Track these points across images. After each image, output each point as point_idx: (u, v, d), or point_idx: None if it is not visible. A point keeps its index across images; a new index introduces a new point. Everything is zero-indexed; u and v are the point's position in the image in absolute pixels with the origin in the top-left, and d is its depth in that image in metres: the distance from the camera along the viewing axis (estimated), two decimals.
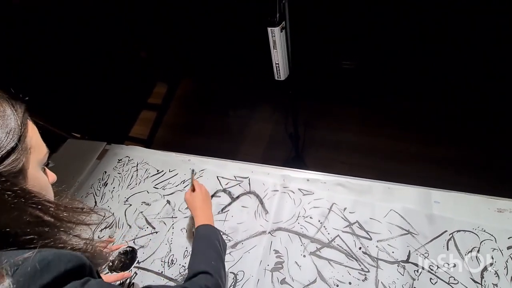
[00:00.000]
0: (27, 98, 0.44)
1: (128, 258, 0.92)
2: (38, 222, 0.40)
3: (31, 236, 0.39)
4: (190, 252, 0.88)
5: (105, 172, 1.20)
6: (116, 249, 0.91)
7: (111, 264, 0.85)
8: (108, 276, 0.80)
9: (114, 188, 1.14)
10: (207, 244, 0.70)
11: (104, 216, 1.03)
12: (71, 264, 0.39)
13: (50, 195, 0.47)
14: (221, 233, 0.78)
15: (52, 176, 0.49)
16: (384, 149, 1.83)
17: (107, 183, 1.17)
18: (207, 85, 2.67)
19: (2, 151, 0.38)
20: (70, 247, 0.44)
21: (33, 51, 1.75)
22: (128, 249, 0.94)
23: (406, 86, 2.05)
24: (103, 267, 0.80)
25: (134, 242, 0.97)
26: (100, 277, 0.48)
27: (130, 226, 1.01)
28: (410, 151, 1.78)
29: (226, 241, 0.91)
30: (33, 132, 0.44)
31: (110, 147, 1.30)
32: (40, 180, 0.44)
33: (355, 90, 2.15)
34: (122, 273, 0.85)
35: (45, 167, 0.47)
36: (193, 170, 0.96)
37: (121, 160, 1.23)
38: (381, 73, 2.11)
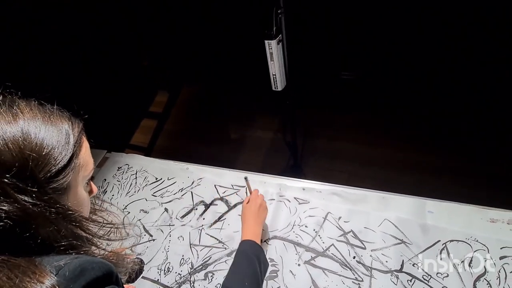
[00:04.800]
0: (86, 116, 0.46)
1: (138, 268, 0.90)
2: (73, 236, 0.42)
3: (66, 247, 0.41)
4: (190, 261, 0.89)
5: (105, 179, 1.22)
6: None
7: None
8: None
9: (113, 195, 1.16)
10: (246, 263, 0.69)
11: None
12: (101, 271, 0.41)
13: (87, 209, 0.49)
14: (264, 253, 0.76)
15: (95, 189, 0.51)
16: (382, 159, 1.85)
17: (106, 191, 1.18)
18: (207, 95, 2.72)
19: (52, 170, 0.39)
20: (99, 256, 0.46)
21: (34, 57, 1.79)
22: (136, 260, 0.93)
23: (404, 96, 2.08)
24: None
25: (131, 250, 0.98)
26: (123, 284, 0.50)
27: (128, 234, 1.02)
28: (408, 161, 1.79)
29: (221, 249, 0.93)
30: (85, 150, 0.45)
31: (110, 155, 1.32)
32: (82, 196, 0.46)
33: (353, 101, 2.18)
34: (127, 285, 0.82)
35: (89, 181, 0.48)
36: (246, 178, 0.90)
37: (120, 168, 1.25)
38: (379, 83, 2.14)
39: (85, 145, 0.46)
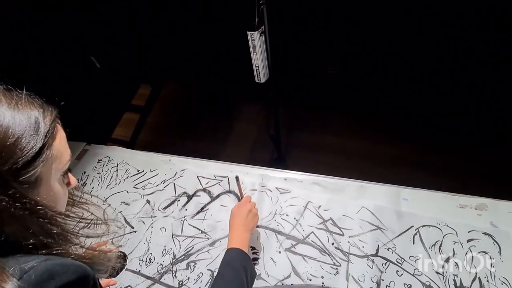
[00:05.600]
0: (63, 103, 0.42)
1: (118, 264, 0.88)
2: (44, 233, 0.39)
3: (35, 246, 0.38)
4: (172, 251, 0.89)
5: (84, 172, 1.19)
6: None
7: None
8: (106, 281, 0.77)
9: (93, 188, 1.14)
10: (232, 274, 0.65)
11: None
12: (75, 275, 0.39)
13: (62, 203, 0.45)
14: (251, 260, 0.73)
15: (73, 181, 0.48)
16: (364, 152, 1.90)
17: (86, 183, 1.16)
18: (190, 88, 2.68)
19: (19, 161, 0.35)
20: (74, 256, 0.43)
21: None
22: (119, 254, 0.90)
23: (388, 91, 2.13)
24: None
25: (112, 241, 0.97)
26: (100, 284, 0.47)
27: (108, 228, 1.01)
28: (389, 154, 1.85)
29: (204, 239, 0.94)
30: (59, 140, 0.41)
31: (90, 147, 1.29)
32: (55, 190, 0.42)
33: (338, 95, 2.22)
34: (108, 280, 0.79)
35: (66, 173, 0.45)
36: (237, 177, 0.85)
37: (101, 160, 1.23)
38: (363, 78, 2.18)
39: (60, 135, 0.43)
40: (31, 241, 0.38)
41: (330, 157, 1.91)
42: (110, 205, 1.07)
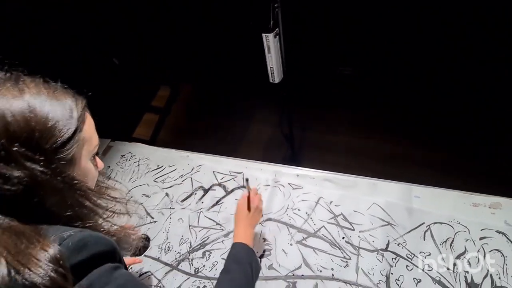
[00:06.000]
0: (90, 93, 0.49)
1: (142, 245, 0.96)
2: (79, 206, 0.46)
3: (72, 217, 0.44)
4: (189, 241, 0.94)
5: (109, 166, 1.28)
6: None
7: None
8: (131, 259, 0.85)
9: (116, 181, 1.21)
10: (237, 268, 0.67)
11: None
12: (105, 247, 0.44)
13: (92, 182, 0.52)
14: (256, 256, 0.74)
15: (100, 164, 0.54)
16: (376, 152, 1.89)
17: (110, 177, 1.24)
18: (207, 89, 2.77)
19: (59, 140, 0.42)
20: (104, 231, 0.49)
21: (33, 57, 1.85)
22: (142, 236, 0.99)
23: (401, 93, 2.12)
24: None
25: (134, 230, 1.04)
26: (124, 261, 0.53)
27: (130, 216, 1.08)
28: (401, 154, 1.83)
29: (219, 230, 0.98)
30: (89, 125, 0.48)
31: (114, 144, 1.38)
32: (87, 169, 0.49)
33: (350, 95, 2.22)
34: (134, 258, 0.88)
35: (94, 156, 0.52)
36: (247, 179, 0.84)
37: (124, 156, 1.31)
38: (376, 79, 2.18)
39: (89, 121, 0.49)
40: (68, 212, 0.44)
41: (342, 157, 1.91)
42: (132, 196, 1.14)
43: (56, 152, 0.43)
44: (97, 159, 0.54)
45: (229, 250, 0.73)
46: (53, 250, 0.38)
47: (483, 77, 1.86)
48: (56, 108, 0.43)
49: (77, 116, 0.46)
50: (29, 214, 0.41)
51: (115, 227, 0.53)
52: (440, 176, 1.62)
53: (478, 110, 1.90)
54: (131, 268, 0.91)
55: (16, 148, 0.38)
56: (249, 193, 0.81)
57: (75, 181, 0.45)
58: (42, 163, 0.40)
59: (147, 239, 0.99)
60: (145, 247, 0.96)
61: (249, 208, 0.79)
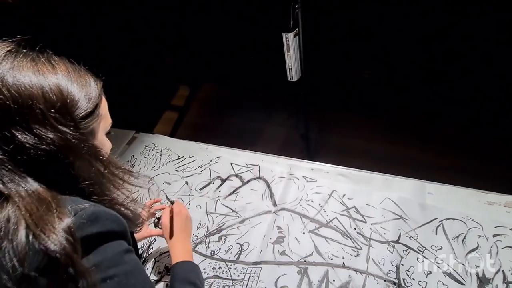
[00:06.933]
0: (104, 78, 0.56)
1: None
2: (98, 174, 0.50)
3: (90, 191, 0.48)
4: (206, 225, 0.98)
5: (133, 155, 1.36)
6: (161, 209, 0.93)
7: (156, 220, 0.92)
8: (151, 231, 0.89)
9: (140, 169, 1.29)
10: None
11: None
12: (115, 225, 0.46)
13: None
14: (200, 269, 0.73)
15: (109, 144, 0.59)
16: (394, 157, 1.89)
17: (134, 165, 1.32)
18: (225, 89, 2.85)
19: (83, 112, 0.48)
20: (118, 204, 0.53)
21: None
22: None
23: (421, 96, 2.11)
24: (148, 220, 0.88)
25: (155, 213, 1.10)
26: (134, 237, 0.57)
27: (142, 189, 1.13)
28: (420, 160, 1.82)
29: (234, 217, 1.03)
30: (104, 105, 0.55)
31: (138, 135, 1.46)
32: (104, 143, 0.55)
33: (370, 99, 2.23)
34: (157, 230, 0.90)
35: (106, 135, 0.57)
36: (172, 202, 0.84)
37: (147, 146, 1.39)
38: (396, 83, 2.18)
39: (104, 101, 0.54)
40: (88, 183, 0.47)
41: (357, 159, 1.92)
42: (154, 183, 1.21)
43: (81, 121, 0.48)
44: (107, 139, 0.58)
45: (172, 271, 0.71)
46: (67, 220, 0.41)
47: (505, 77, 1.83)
48: (82, 84, 0.49)
49: (98, 94, 0.52)
50: (55, 181, 0.44)
51: (130, 199, 0.55)
52: (458, 181, 1.60)
53: (500, 113, 1.86)
54: (155, 240, 0.96)
55: (51, 114, 0.44)
56: (171, 206, 0.80)
57: (98, 149, 0.51)
58: (72, 129, 0.46)
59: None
60: None
61: (172, 222, 0.78)
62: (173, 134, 2.63)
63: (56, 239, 0.39)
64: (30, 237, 0.38)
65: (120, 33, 2.37)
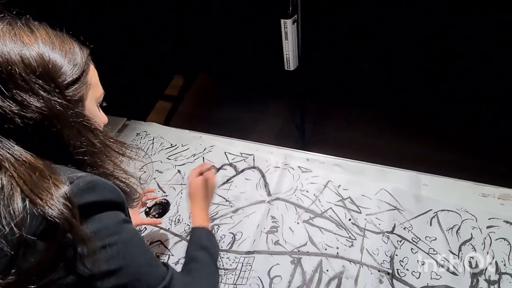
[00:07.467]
0: (92, 46, 0.53)
1: (162, 208, 1.01)
2: (90, 144, 0.48)
3: (83, 161, 0.47)
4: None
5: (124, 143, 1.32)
6: (153, 199, 0.99)
7: (148, 209, 0.91)
8: (142, 219, 0.89)
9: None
10: (205, 255, 0.65)
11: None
12: (113, 195, 0.46)
13: (100, 128, 0.53)
14: (214, 237, 0.73)
15: (104, 117, 0.57)
16: (390, 150, 1.89)
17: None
18: (221, 80, 2.80)
19: (68, 78, 0.46)
20: (114, 177, 0.51)
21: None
22: (163, 200, 1.03)
23: (420, 96, 2.10)
24: (139, 209, 0.89)
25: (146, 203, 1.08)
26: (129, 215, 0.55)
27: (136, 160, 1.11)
28: (416, 154, 1.82)
29: (228, 207, 1.01)
30: (93, 73, 0.52)
31: (129, 122, 1.42)
32: (95, 113, 0.52)
33: (367, 91, 2.21)
34: (155, 219, 0.94)
35: (99, 106, 0.55)
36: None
37: (139, 134, 1.35)
38: (396, 81, 2.16)
39: (93, 70, 0.52)
40: (80, 153, 0.46)
41: (354, 153, 1.91)
42: (145, 172, 1.18)
43: (67, 88, 0.46)
44: (101, 111, 0.56)
45: (190, 235, 0.71)
46: (64, 187, 0.40)
47: (502, 74, 1.83)
48: (65, 50, 0.47)
49: (84, 60, 0.49)
50: (45, 150, 0.43)
51: (126, 174, 0.54)
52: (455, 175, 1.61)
53: (497, 110, 1.87)
54: (145, 228, 0.96)
55: (33, 79, 0.42)
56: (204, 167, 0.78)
57: (87, 118, 0.48)
58: (57, 96, 0.43)
59: (167, 203, 1.03)
60: (165, 211, 1.00)
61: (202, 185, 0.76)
62: (166, 123, 2.58)
63: (53, 204, 0.38)
64: (27, 202, 0.38)
65: (117, 21, 2.29)
